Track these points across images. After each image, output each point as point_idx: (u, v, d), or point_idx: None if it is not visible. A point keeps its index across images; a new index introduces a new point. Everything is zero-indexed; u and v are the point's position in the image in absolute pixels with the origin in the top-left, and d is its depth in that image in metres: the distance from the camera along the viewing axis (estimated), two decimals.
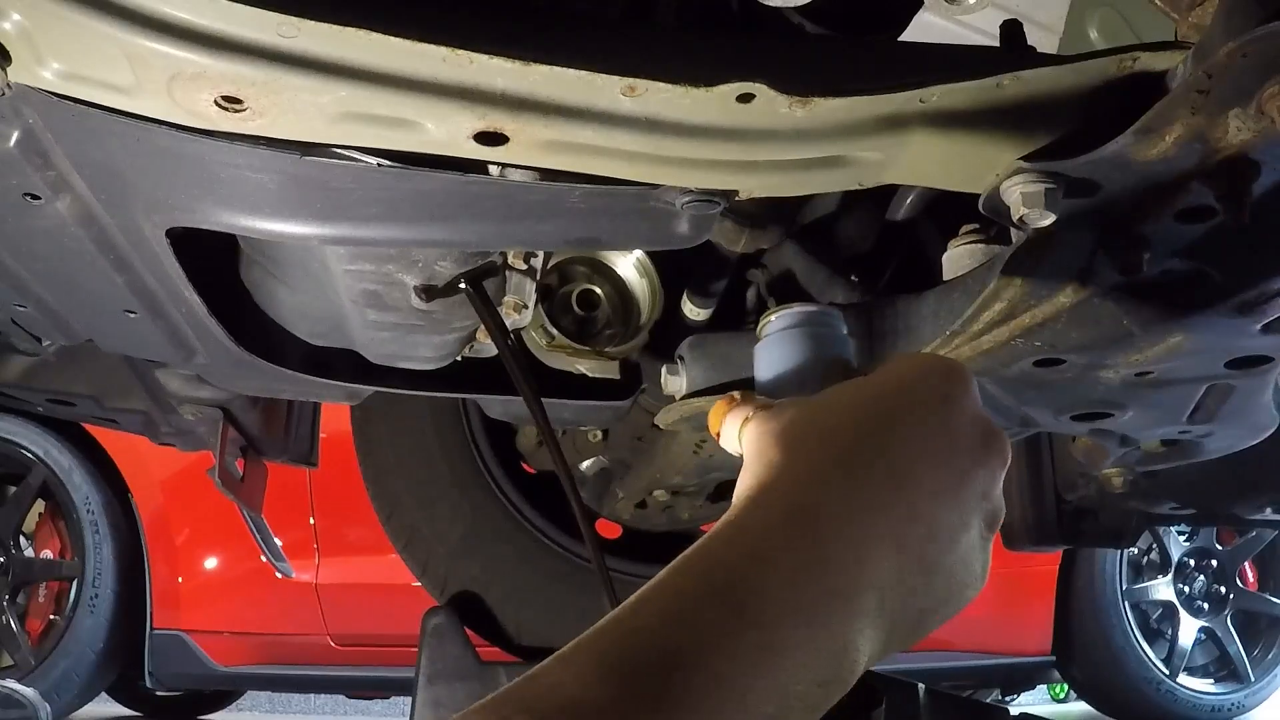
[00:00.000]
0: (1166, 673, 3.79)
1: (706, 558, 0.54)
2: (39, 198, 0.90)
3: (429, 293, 1.05)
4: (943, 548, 0.59)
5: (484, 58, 0.71)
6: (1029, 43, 0.92)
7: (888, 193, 1.25)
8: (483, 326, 1.11)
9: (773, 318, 0.78)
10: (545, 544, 1.94)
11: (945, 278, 1.10)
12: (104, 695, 3.77)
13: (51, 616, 3.56)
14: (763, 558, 0.53)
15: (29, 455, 3.47)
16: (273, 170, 0.83)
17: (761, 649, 0.50)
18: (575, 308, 1.40)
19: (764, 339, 0.78)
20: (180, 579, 3.51)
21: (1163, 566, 3.95)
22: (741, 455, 0.66)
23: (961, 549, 0.60)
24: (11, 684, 3.15)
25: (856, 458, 0.58)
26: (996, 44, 0.92)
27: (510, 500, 1.95)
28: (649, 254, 1.39)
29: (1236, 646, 3.95)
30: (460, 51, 0.71)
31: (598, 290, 1.41)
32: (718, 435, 0.72)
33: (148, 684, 3.54)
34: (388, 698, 5.10)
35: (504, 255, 1.08)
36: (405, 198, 0.87)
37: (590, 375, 1.34)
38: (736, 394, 0.72)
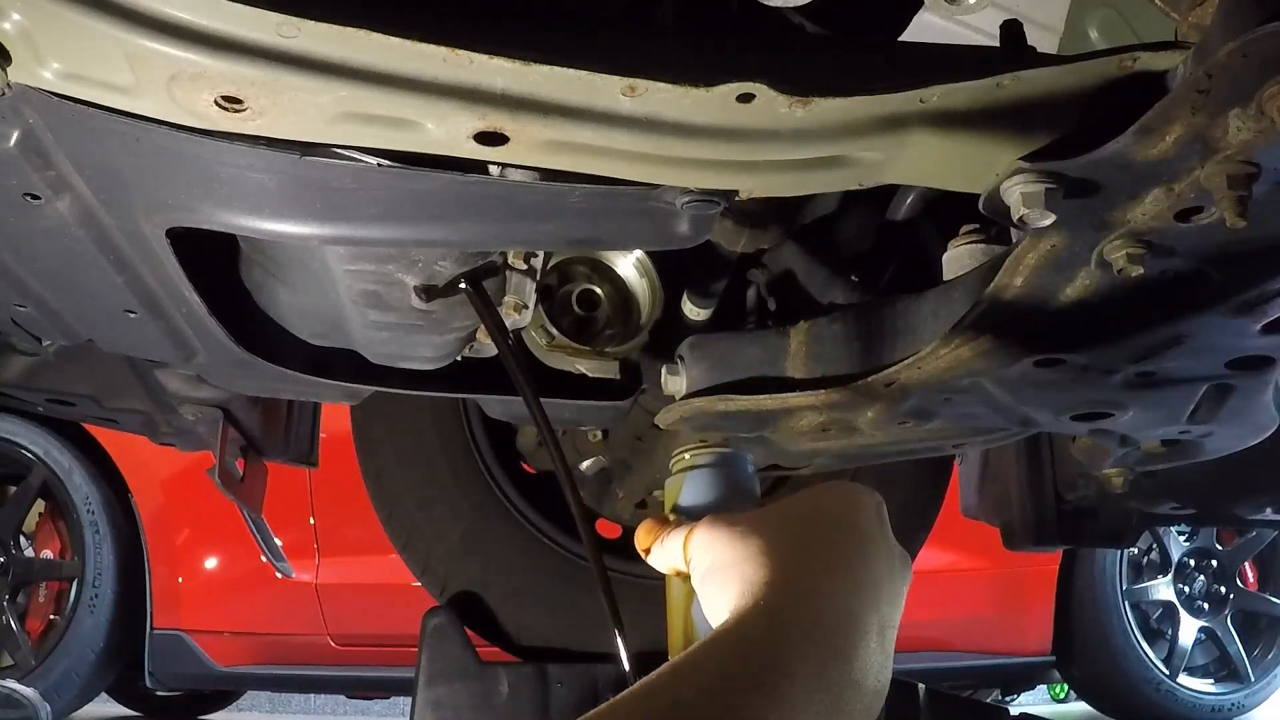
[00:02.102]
0: (1166, 673, 3.78)
1: (740, 643, 0.64)
2: (39, 198, 0.90)
3: (429, 293, 1.05)
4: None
5: (484, 58, 0.71)
6: (1029, 43, 0.92)
7: (888, 193, 1.25)
8: (483, 326, 1.11)
9: (690, 455, 0.90)
10: (545, 544, 1.94)
11: (945, 278, 1.10)
12: (104, 695, 3.77)
13: (51, 616, 3.56)
14: (785, 660, 0.63)
15: (29, 455, 3.47)
16: (273, 170, 0.82)
17: None
18: (575, 308, 1.40)
19: (692, 472, 0.90)
20: (180, 579, 3.51)
21: (1163, 566, 3.95)
22: (678, 570, 0.80)
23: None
24: (11, 684, 3.15)
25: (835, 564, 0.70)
26: (996, 44, 0.92)
27: (510, 500, 1.95)
28: (649, 254, 1.39)
29: (1236, 646, 3.94)
30: (460, 51, 0.71)
31: (598, 290, 1.41)
32: (647, 552, 0.84)
33: (148, 684, 3.54)
34: (388, 698, 5.10)
35: (504, 255, 1.08)
36: (405, 198, 0.87)
37: (590, 375, 1.34)
38: (668, 515, 0.87)
